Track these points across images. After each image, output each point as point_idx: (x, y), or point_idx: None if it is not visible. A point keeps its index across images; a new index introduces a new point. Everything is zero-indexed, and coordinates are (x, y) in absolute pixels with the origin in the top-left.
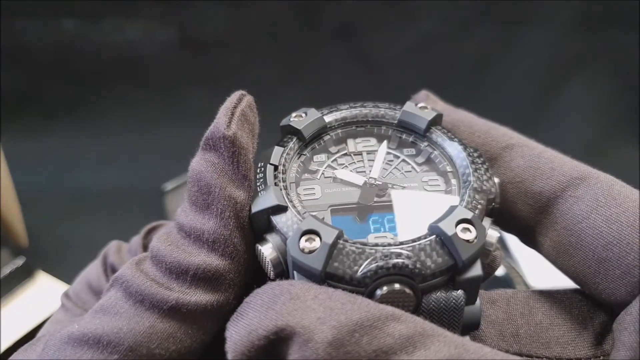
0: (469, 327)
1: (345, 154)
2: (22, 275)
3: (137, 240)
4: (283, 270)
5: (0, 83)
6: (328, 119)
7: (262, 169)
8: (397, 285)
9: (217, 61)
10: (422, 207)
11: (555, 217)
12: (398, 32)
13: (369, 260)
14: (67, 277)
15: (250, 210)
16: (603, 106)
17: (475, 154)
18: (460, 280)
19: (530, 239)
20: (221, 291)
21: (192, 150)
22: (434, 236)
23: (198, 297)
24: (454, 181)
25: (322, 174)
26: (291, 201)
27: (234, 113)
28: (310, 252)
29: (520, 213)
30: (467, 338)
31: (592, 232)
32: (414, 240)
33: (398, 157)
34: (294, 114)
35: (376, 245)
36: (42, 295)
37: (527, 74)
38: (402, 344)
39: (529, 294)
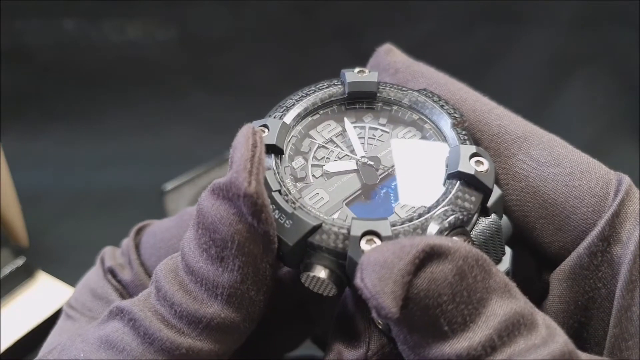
0: (508, 238)
1: (318, 147)
2: (22, 275)
3: (127, 242)
4: (343, 283)
5: (0, 83)
6: (286, 121)
7: (270, 199)
8: (455, 238)
9: (217, 61)
10: (421, 158)
11: (498, 174)
12: (398, 32)
13: (427, 230)
14: (67, 277)
15: (280, 246)
16: (603, 106)
17: (429, 94)
18: (491, 206)
19: None
20: (233, 339)
21: (192, 150)
22: (459, 181)
23: (210, 345)
24: (426, 126)
25: (312, 175)
26: (317, 216)
27: (252, 164)
28: (347, 226)
29: None
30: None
31: (531, 190)
32: (445, 195)
33: (363, 128)
34: (357, 69)
35: (422, 214)
36: (43, 296)
37: (526, 73)
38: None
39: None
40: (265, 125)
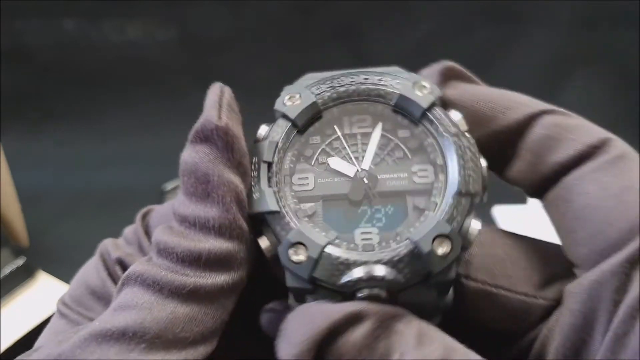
0: (440, 313)
1: (339, 137)
2: (22, 275)
3: (132, 228)
4: (278, 262)
5: (0, 83)
6: (322, 97)
7: (257, 166)
8: (375, 290)
9: (217, 61)
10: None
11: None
12: (398, 32)
13: (350, 271)
14: (67, 277)
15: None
16: (603, 106)
17: (467, 145)
18: (433, 282)
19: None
20: (234, 270)
21: None
22: (412, 248)
23: (213, 278)
24: (441, 177)
25: (317, 159)
26: (284, 204)
27: (221, 104)
28: (298, 262)
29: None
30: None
31: (578, 190)
32: (393, 251)
33: (391, 141)
34: (287, 96)
35: (357, 254)
36: (43, 295)
37: (526, 73)
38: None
39: (496, 231)
40: (300, 94)
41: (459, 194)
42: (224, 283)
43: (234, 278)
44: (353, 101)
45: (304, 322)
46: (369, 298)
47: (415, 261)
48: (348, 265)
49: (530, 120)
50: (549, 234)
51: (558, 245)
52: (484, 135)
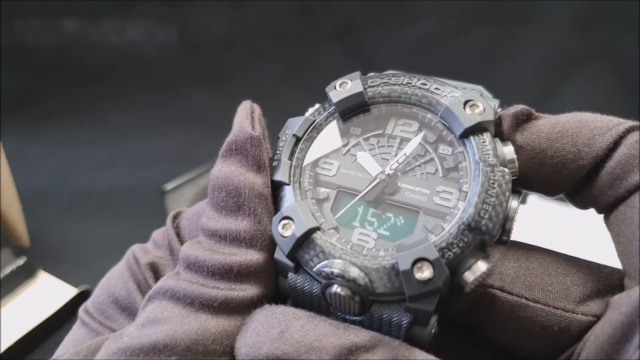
0: (416, 345)
1: (380, 135)
2: (23, 275)
3: (161, 231)
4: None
5: (1, 83)
6: (372, 91)
7: (286, 137)
8: (346, 290)
9: (217, 61)
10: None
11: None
12: (398, 32)
13: (327, 261)
14: (68, 276)
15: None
16: (603, 106)
17: (499, 180)
18: (409, 307)
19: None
20: (264, 281)
21: (192, 150)
22: (392, 263)
23: (245, 291)
24: (460, 204)
25: (349, 149)
26: (297, 180)
27: (253, 117)
28: (284, 236)
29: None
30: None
31: None
32: (374, 259)
33: (429, 154)
34: (339, 81)
35: (342, 249)
36: (43, 295)
37: (526, 73)
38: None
39: (530, 246)
40: (350, 81)
41: (467, 226)
42: (255, 295)
43: (264, 289)
44: (402, 103)
45: (266, 325)
46: (339, 297)
47: (391, 276)
48: (326, 256)
49: (616, 144)
50: (548, 233)
51: (595, 263)
52: (570, 169)
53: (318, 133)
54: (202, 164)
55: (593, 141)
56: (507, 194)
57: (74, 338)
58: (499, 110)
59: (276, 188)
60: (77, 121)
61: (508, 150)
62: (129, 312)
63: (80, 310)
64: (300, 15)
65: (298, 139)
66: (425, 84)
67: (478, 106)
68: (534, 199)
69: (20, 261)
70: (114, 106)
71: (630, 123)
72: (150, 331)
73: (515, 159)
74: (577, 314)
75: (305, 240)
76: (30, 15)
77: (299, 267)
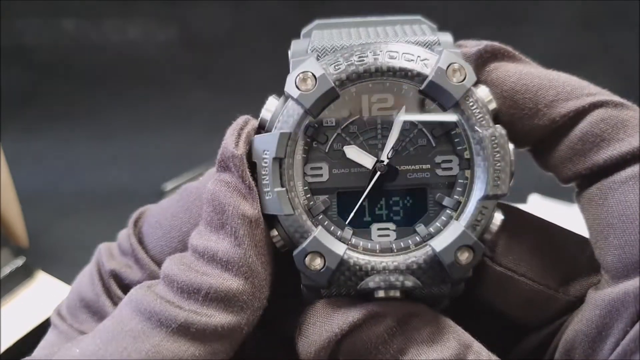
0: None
1: (356, 120)
2: (22, 275)
3: (125, 234)
4: (291, 258)
5: (0, 83)
6: (340, 79)
7: (267, 162)
8: (391, 293)
9: (217, 61)
10: None
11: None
12: None
13: (368, 278)
14: (67, 277)
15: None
16: None
17: (499, 140)
18: (450, 281)
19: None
20: (233, 313)
21: (192, 150)
22: (432, 256)
23: (209, 317)
24: (467, 173)
25: (332, 146)
26: (297, 203)
27: (240, 134)
28: (315, 270)
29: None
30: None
31: (617, 196)
32: (412, 256)
33: (415, 127)
34: (298, 75)
35: (375, 260)
36: (42, 296)
37: None
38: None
39: (528, 216)
40: (314, 76)
41: (486, 197)
42: (219, 325)
43: (231, 322)
44: (373, 79)
45: (323, 320)
46: (386, 299)
47: (435, 269)
48: (367, 272)
49: (576, 116)
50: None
51: (586, 239)
52: (525, 126)
53: (295, 143)
54: (202, 164)
55: (554, 104)
56: (507, 146)
57: (47, 342)
58: (456, 45)
59: (274, 220)
60: (77, 121)
61: (484, 93)
62: (99, 316)
63: (53, 314)
64: (300, 15)
65: (280, 160)
66: (393, 56)
67: (459, 69)
68: (534, 198)
69: (19, 261)
70: (114, 106)
71: (599, 98)
72: (101, 342)
73: (493, 99)
74: (559, 292)
75: (340, 267)
76: (30, 15)
77: (330, 285)
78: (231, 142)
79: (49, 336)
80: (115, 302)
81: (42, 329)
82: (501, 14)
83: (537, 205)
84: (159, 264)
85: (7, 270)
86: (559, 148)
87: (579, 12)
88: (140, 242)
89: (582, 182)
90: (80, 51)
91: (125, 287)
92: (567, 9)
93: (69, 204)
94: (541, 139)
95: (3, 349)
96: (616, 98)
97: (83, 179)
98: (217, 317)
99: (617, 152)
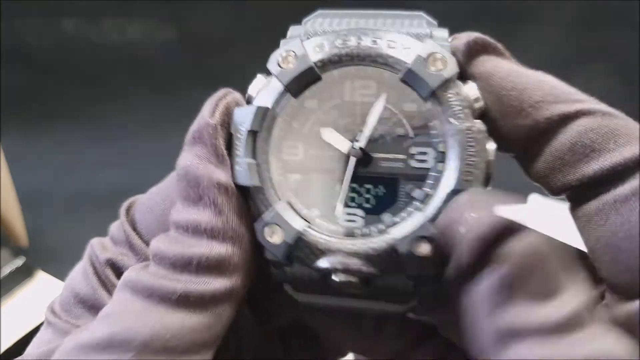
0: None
1: (339, 104)
2: (22, 275)
3: (117, 224)
4: None
5: (0, 83)
6: (322, 61)
7: (241, 134)
8: (350, 277)
9: (217, 61)
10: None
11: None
12: None
13: (326, 257)
14: (67, 277)
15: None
16: None
17: (475, 135)
18: (410, 275)
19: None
20: (227, 276)
21: None
22: (391, 244)
23: (205, 284)
24: (440, 166)
25: (310, 126)
26: (268, 177)
27: (218, 105)
28: (274, 243)
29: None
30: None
31: (620, 217)
32: (371, 243)
33: (394, 115)
34: (282, 54)
35: (336, 241)
36: (42, 295)
37: None
38: None
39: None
40: (294, 54)
41: (455, 192)
42: (217, 289)
43: (229, 284)
44: (356, 63)
45: (485, 211)
46: (343, 284)
47: (392, 258)
48: (323, 252)
49: (562, 121)
50: (548, 232)
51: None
52: (509, 126)
53: (273, 120)
54: None
55: (540, 105)
56: (484, 142)
57: (41, 340)
58: (449, 39)
59: (246, 191)
60: (77, 121)
61: (471, 89)
62: (96, 310)
63: (46, 311)
64: (300, 15)
65: (255, 133)
66: (376, 41)
67: (440, 60)
68: (534, 198)
69: (19, 261)
70: (114, 106)
71: (586, 105)
72: (107, 324)
73: (480, 97)
74: None
75: (296, 243)
76: (30, 15)
77: (292, 262)
78: (207, 111)
79: (43, 334)
80: (112, 292)
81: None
82: (501, 13)
83: (537, 205)
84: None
85: (7, 270)
86: (544, 156)
87: (579, 12)
88: (134, 229)
89: (573, 195)
90: (80, 51)
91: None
92: (567, 9)
93: (68, 204)
94: (524, 144)
95: (3, 349)
96: (604, 107)
97: (83, 179)
98: (215, 283)
99: (608, 163)
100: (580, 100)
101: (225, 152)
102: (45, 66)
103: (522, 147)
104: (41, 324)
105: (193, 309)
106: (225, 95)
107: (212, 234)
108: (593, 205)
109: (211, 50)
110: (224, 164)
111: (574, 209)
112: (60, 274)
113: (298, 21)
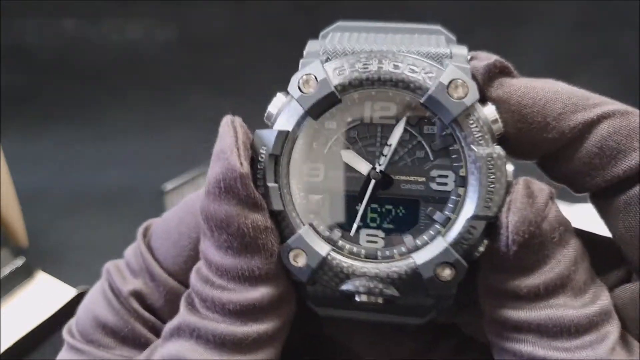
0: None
1: (357, 126)
2: (22, 275)
3: (133, 251)
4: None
5: (0, 83)
6: (342, 85)
7: (263, 157)
8: (372, 298)
9: (217, 61)
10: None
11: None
12: None
13: (349, 281)
14: (67, 277)
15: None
16: None
17: (496, 162)
18: (432, 295)
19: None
20: (286, 309)
21: (192, 150)
22: (413, 268)
23: (272, 322)
24: (460, 190)
25: (330, 147)
26: (290, 200)
27: (238, 147)
28: (298, 267)
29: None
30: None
31: None
32: (394, 266)
33: (414, 138)
34: (302, 78)
35: (359, 265)
36: (42, 296)
37: (527, 74)
38: None
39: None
40: (315, 78)
41: (475, 217)
42: (280, 325)
43: (288, 315)
44: (376, 87)
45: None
46: (367, 304)
47: (414, 281)
48: (347, 275)
49: (586, 129)
50: None
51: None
52: (534, 138)
53: (294, 143)
54: (202, 164)
55: (563, 117)
56: (505, 170)
57: None
58: (468, 57)
59: (271, 216)
60: (77, 121)
61: (490, 112)
62: (121, 338)
63: (65, 334)
64: (301, 15)
65: (276, 157)
66: (398, 66)
67: (461, 85)
68: None
69: (19, 262)
70: (113, 106)
71: (605, 108)
72: None
73: (499, 119)
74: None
75: (319, 267)
76: (30, 15)
77: (315, 283)
78: (235, 158)
79: (65, 354)
80: (142, 323)
81: (42, 329)
82: (501, 14)
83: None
84: (172, 274)
85: (7, 270)
86: (572, 162)
87: (579, 13)
88: (152, 256)
89: (599, 191)
90: (80, 51)
91: (147, 308)
92: (568, 9)
93: (68, 203)
94: (550, 153)
95: (3, 349)
96: (620, 106)
97: (83, 179)
98: (278, 321)
99: (635, 162)
100: (597, 103)
101: (260, 197)
102: (45, 66)
103: (546, 155)
104: (41, 324)
105: (262, 349)
106: (237, 132)
107: (267, 277)
108: (621, 200)
109: (211, 50)
110: (261, 207)
111: (599, 201)
112: (61, 274)
113: (298, 21)
